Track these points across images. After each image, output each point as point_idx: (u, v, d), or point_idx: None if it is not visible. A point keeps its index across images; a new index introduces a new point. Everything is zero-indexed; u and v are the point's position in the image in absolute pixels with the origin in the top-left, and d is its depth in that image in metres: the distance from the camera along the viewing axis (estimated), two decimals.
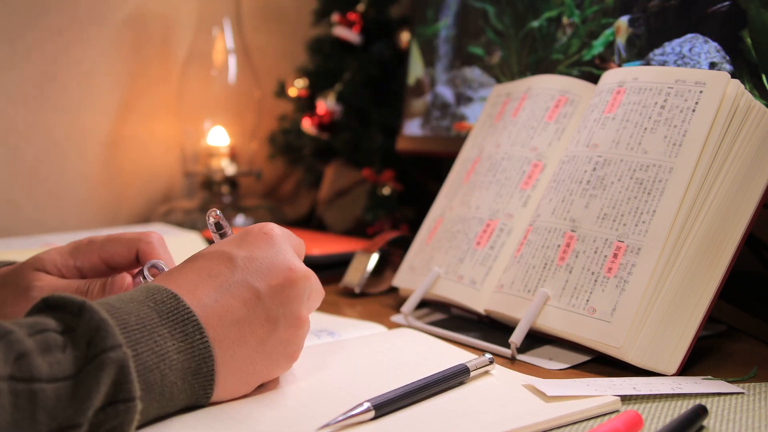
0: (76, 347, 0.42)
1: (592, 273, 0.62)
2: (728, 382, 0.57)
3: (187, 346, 0.47)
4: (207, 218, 0.57)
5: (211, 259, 0.52)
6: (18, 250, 0.84)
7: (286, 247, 0.53)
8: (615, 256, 0.62)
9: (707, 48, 0.70)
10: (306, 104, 1.22)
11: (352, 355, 0.62)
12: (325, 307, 0.78)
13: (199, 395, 0.49)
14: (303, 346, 0.54)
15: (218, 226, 0.57)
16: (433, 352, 0.63)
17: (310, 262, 0.92)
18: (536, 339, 0.66)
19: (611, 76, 0.71)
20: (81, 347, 0.42)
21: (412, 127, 1.04)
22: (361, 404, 0.48)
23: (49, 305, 0.44)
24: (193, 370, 0.47)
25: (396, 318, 0.76)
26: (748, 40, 0.68)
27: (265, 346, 0.51)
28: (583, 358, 0.63)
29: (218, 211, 0.57)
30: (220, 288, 0.50)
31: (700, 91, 0.63)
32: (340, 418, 0.47)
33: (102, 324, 0.42)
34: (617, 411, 0.51)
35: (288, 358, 0.53)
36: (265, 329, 0.51)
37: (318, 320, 0.74)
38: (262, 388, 0.54)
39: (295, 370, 0.57)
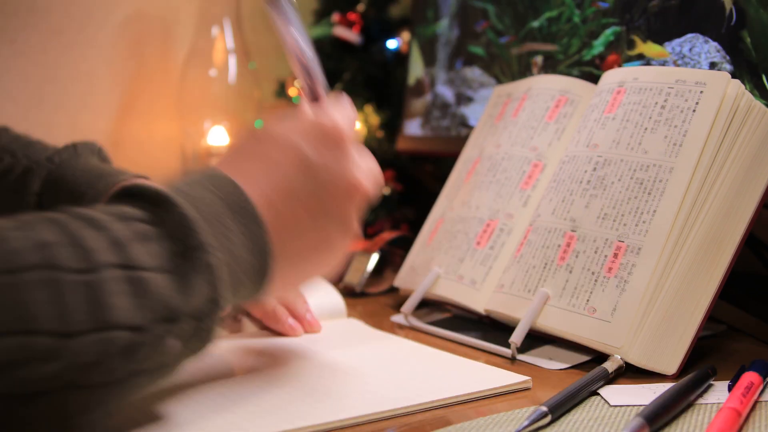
0: (166, 240, 0.42)
1: (593, 273, 0.62)
2: None
3: (252, 243, 0.46)
4: None
5: (282, 152, 0.50)
6: None
7: (354, 158, 0.53)
8: (615, 256, 0.62)
9: (707, 48, 0.70)
10: None
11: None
12: None
13: (258, 290, 0.49)
14: (357, 226, 0.55)
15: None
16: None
17: None
18: (536, 339, 0.66)
19: (611, 76, 0.71)
20: (171, 241, 0.42)
21: (412, 127, 1.04)
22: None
23: (128, 193, 0.44)
24: (257, 269, 0.47)
25: (396, 318, 0.76)
26: (748, 40, 0.68)
27: (318, 246, 0.52)
28: (583, 358, 0.63)
29: None
30: (289, 195, 0.50)
31: (701, 91, 0.63)
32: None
33: (185, 220, 0.42)
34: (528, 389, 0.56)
35: (331, 258, 0.54)
36: (318, 234, 0.51)
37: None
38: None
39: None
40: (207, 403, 0.51)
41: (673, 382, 0.55)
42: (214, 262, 0.43)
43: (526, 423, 0.48)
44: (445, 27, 1.00)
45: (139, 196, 0.44)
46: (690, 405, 0.52)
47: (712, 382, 0.56)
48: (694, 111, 0.63)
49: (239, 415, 0.49)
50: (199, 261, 0.42)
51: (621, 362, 0.58)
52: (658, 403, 0.49)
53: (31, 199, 0.66)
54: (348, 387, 0.55)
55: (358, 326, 0.73)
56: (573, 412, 0.51)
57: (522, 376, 0.56)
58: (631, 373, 0.59)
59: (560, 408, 0.50)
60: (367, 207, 0.56)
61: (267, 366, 0.60)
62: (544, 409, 0.49)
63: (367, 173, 0.54)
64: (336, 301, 0.77)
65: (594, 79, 0.75)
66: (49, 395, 0.37)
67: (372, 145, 1.15)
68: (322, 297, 0.75)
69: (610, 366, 0.57)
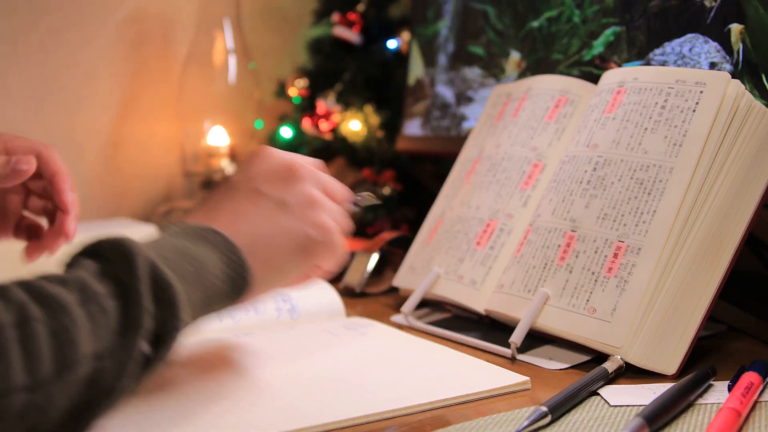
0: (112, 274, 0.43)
1: (593, 273, 0.62)
2: None
3: (215, 246, 0.50)
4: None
5: (234, 192, 0.56)
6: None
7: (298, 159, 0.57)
8: (615, 256, 0.62)
9: (707, 48, 0.70)
10: (306, 104, 1.22)
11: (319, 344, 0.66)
12: None
13: (237, 275, 0.50)
14: (331, 226, 0.57)
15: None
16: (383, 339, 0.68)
17: None
18: (536, 339, 0.66)
19: (611, 76, 0.71)
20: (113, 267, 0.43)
21: (412, 127, 1.04)
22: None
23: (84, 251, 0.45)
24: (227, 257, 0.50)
25: (396, 318, 0.76)
26: (748, 40, 0.68)
27: (283, 224, 0.54)
28: (583, 358, 0.63)
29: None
30: (230, 199, 0.55)
31: (701, 92, 0.63)
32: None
33: (125, 249, 0.44)
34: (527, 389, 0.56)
35: (312, 236, 0.55)
36: (278, 212, 0.54)
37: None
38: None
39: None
40: (207, 403, 0.51)
41: (673, 382, 0.55)
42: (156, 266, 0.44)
43: (526, 423, 0.48)
44: (445, 27, 1.00)
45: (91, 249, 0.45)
46: (690, 405, 0.52)
47: (712, 382, 0.56)
48: (694, 111, 0.63)
49: (238, 416, 0.49)
50: (143, 276, 0.43)
51: (621, 362, 0.58)
52: (658, 403, 0.49)
53: None
54: (347, 387, 0.55)
55: (356, 321, 0.73)
56: (573, 412, 0.51)
57: (521, 376, 0.56)
58: (631, 373, 0.59)
59: (560, 408, 0.50)
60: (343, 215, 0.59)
61: (266, 366, 0.60)
62: (544, 409, 0.49)
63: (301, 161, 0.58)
64: (334, 300, 0.76)
65: (594, 79, 0.75)
66: None
67: (372, 145, 1.15)
68: (319, 297, 0.75)
69: (610, 366, 0.57)
